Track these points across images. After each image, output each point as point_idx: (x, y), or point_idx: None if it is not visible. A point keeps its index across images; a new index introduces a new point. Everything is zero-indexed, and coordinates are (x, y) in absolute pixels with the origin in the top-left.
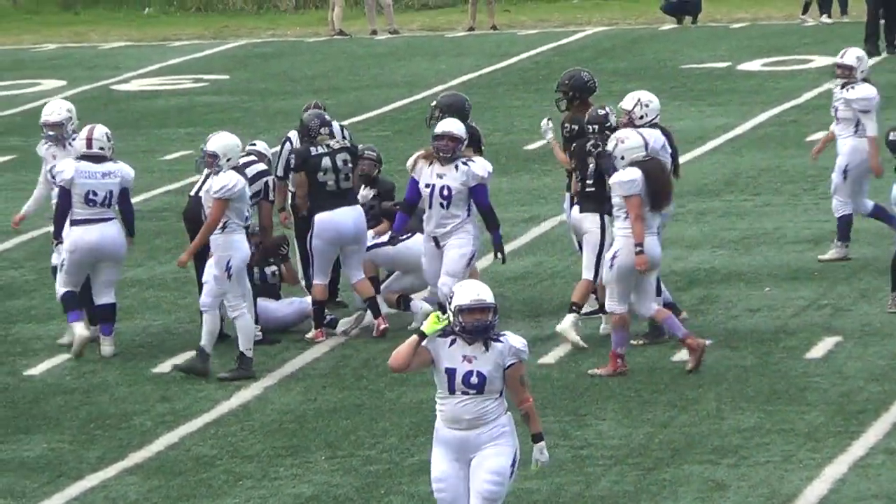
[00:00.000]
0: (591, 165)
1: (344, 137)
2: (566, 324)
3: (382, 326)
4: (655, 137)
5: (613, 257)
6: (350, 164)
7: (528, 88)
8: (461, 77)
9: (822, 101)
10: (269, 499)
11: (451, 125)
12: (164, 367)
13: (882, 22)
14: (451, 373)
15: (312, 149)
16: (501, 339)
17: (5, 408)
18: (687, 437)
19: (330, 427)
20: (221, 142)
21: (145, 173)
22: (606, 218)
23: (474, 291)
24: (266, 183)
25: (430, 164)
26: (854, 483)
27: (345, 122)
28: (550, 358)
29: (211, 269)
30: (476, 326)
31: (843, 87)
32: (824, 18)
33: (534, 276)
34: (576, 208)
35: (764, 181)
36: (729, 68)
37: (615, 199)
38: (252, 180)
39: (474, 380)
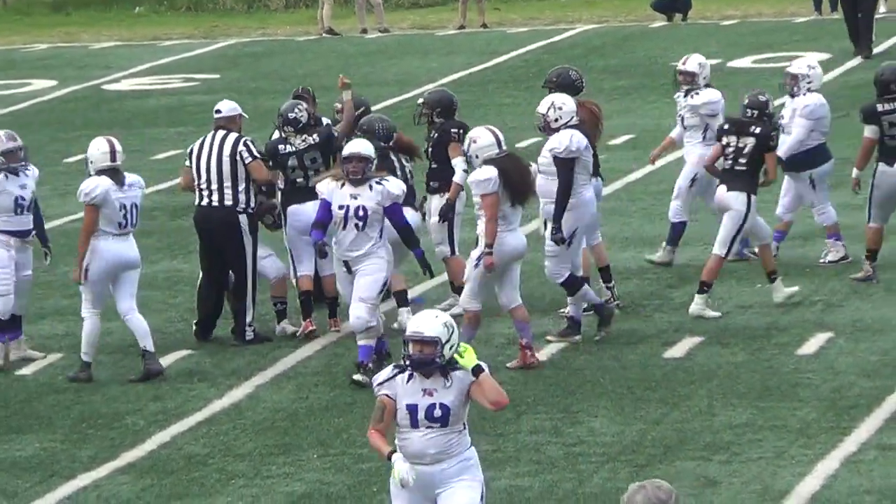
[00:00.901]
0: (746, 146)
1: (313, 134)
2: (697, 304)
3: (334, 328)
4: (578, 139)
5: (480, 256)
6: (319, 161)
7: (519, 86)
8: (452, 75)
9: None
10: (262, 497)
11: (359, 146)
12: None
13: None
14: (412, 409)
15: (281, 146)
16: (458, 367)
17: None
18: (679, 434)
19: (322, 425)
20: (90, 147)
21: (136, 173)
22: (753, 198)
23: (416, 323)
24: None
25: (342, 185)
26: (846, 479)
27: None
28: (542, 355)
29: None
30: (414, 359)
31: (686, 93)
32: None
33: (525, 274)
34: (722, 187)
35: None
36: (719, 65)
37: (474, 199)
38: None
39: (438, 413)
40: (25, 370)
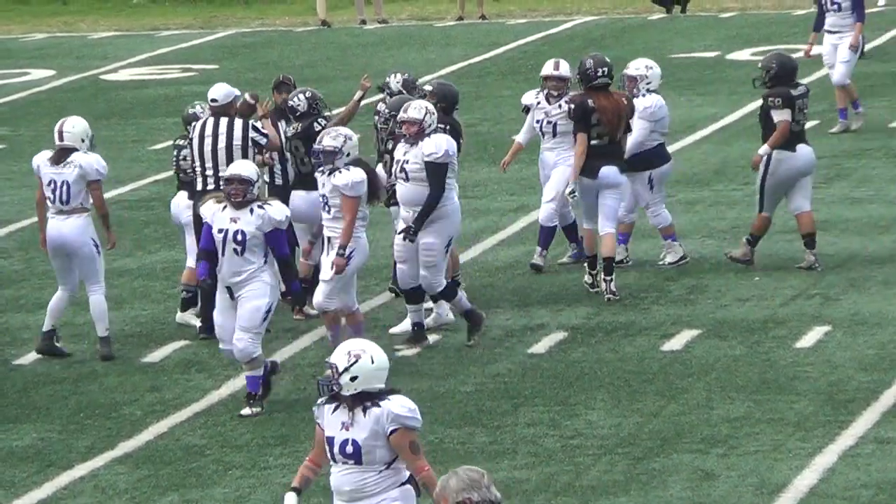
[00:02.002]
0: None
1: (298, 123)
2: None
3: (297, 317)
4: (451, 144)
5: (349, 256)
6: (302, 150)
7: (517, 78)
8: (450, 66)
9: (812, 90)
10: (259, 488)
11: (241, 167)
12: (154, 356)
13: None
14: (330, 441)
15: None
16: (381, 403)
17: None
18: (676, 427)
19: None
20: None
21: (134, 163)
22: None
23: (338, 351)
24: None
25: (224, 207)
26: (843, 472)
27: (335, 112)
28: (540, 348)
29: None
30: (320, 382)
31: (557, 99)
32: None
33: (522, 266)
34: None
35: (753, 171)
36: (718, 58)
37: (334, 200)
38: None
39: (349, 449)
40: (22, 360)
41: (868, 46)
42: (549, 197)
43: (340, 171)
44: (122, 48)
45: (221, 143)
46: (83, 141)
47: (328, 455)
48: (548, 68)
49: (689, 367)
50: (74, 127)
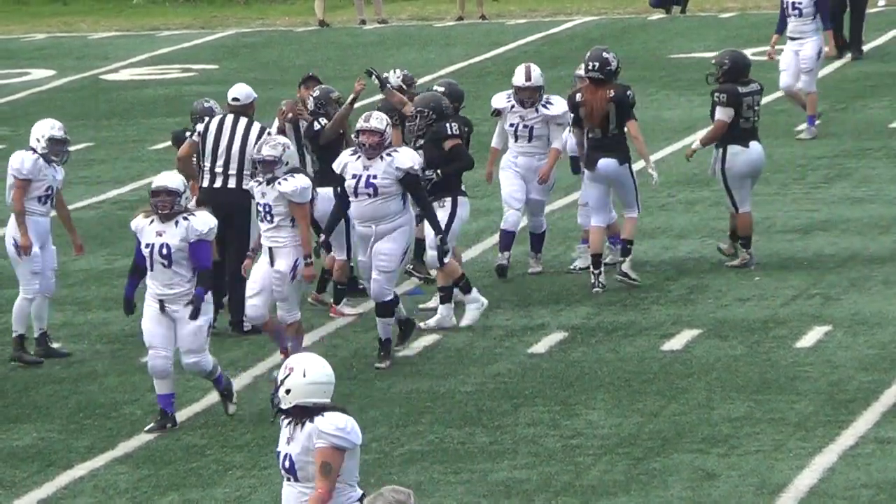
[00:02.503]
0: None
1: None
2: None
3: (332, 314)
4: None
5: (294, 268)
6: (310, 148)
7: None
8: (450, 67)
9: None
10: (259, 488)
11: (167, 179)
12: None
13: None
14: (276, 455)
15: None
16: (315, 419)
17: None
18: (677, 427)
19: None
20: None
21: (134, 163)
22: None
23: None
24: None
25: (151, 222)
26: (844, 472)
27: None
28: (541, 347)
29: None
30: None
31: (532, 105)
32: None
33: (522, 266)
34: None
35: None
36: None
37: (278, 209)
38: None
39: (286, 463)
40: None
41: (868, 47)
42: (517, 205)
43: (286, 179)
44: (122, 48)
45: (236, 145)
46: (38, 140)
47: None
48: (519, 79)
49: (689, 367)
50: (36, 127)
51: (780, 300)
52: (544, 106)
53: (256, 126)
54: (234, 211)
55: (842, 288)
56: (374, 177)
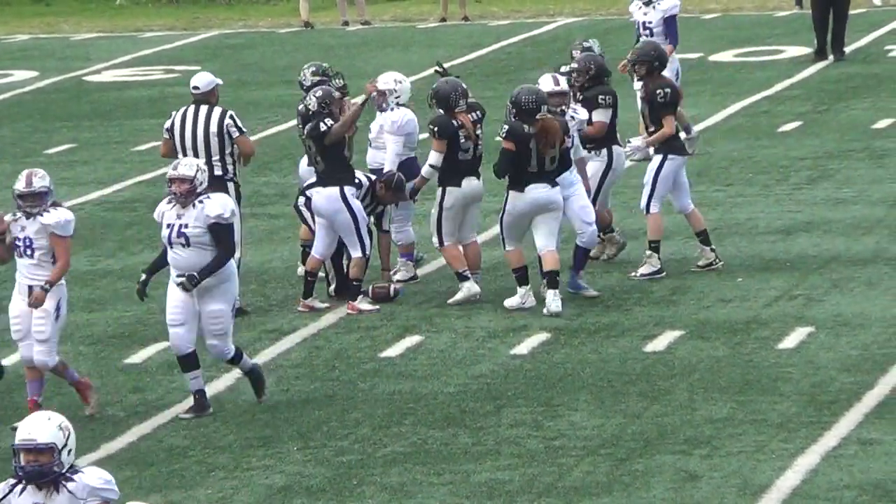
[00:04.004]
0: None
1: (308, 124)
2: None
3: (350, 311)
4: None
5: (58, 308)
6: (314, 149)
7: (501, 79)
8: (433, 68)
9: (793, 91)
10: (242, 489)
11: (34, 180)
12: (137, 358)
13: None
14: None
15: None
16: (75, 478)
17: None
18: (659, 428)
19: (302, 418)
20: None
21: (117, 164)
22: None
23: (27, 429)
24: None
25: (16, 219)
26: (827, 473)
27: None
28: (523, 348)
29: None
30: (28, 471)
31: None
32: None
33: (505, 267)
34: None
35: (735, 172)
36: (701, 59)
37: (40, 242)
38: None
39: None
40: (5, 361)
41: (850, 48)
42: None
43: (49, 211)
44: (104, 49)
45: (200, 133)
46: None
47: None
48: (547, 84)
49: (671, 369)
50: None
51: (762, 301)
52: (391, 109)
53: (217, 111)
54: None
55: (824, 289)
56: (186, 226)
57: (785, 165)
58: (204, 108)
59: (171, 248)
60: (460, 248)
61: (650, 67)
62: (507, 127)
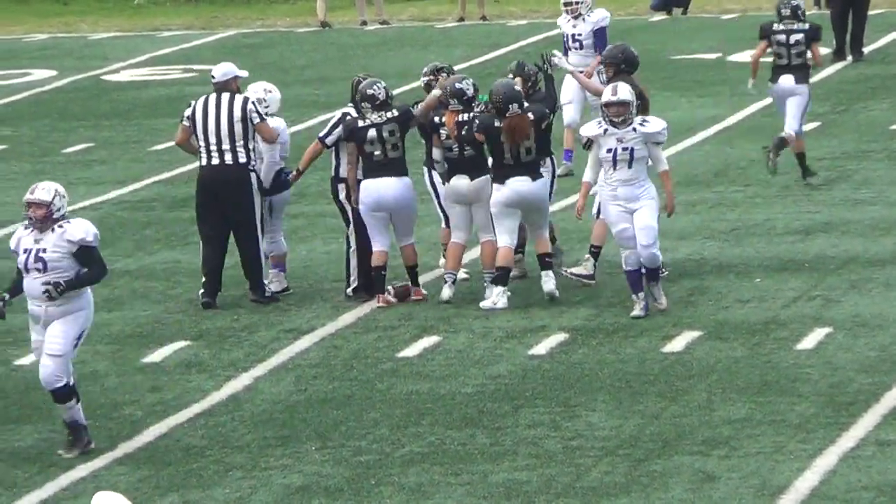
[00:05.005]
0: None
1: (391, 110)
2: None
3: (415, 297)
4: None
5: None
6: (397, 135)
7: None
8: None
9: (814, 91)
10: (260, 489)
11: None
12: (154, 357)
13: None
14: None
15: (360, 121)
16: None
17: None
18: (677, 429)
19: (320, 417)
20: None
21: (135, 163)
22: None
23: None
24: None
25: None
26: (845, 474)
27: (336, 112)
28: (541, 349)
29: None
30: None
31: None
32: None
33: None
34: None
35: (754, 172)
36: (719, 59)
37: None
38: None
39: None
40: (24, 360)
41: (868, 49)
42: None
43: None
44: (123, 48)
45: (224, 120)
46: None
47: None
48: (606, 94)
49: (689, 369)
50: None
51: (780, 302)
52: (641, 124)
53: (238, 98)
54: (233, 185)
55: (842, 290)
56: (44, 250)
57: None
58: (226, 96)
59: (28, 273)
60: (456, 243)
61: (617, 70)
62: (477, 120)
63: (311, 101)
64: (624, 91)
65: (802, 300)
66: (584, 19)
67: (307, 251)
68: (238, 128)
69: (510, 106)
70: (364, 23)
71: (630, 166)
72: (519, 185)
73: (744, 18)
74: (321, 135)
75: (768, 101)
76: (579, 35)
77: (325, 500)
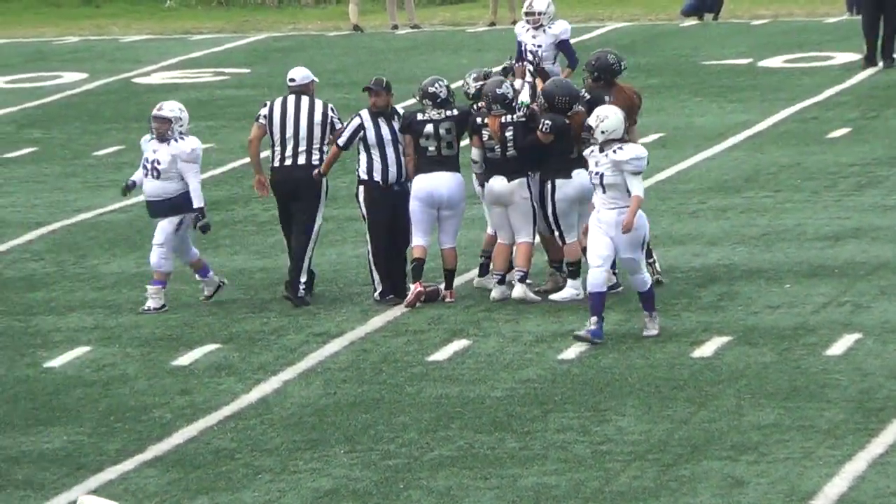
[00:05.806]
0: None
1: (452, 109)
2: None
3: (449, 299)
4: None
5: None
6: (453, 133)
7: None
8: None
9: (843, 98)
10: (288, 492)
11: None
12: (184, 360)
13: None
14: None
15: (419, 115)
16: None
17: (25, 400)
18: (706, 434)
19: (349, 421)
20: None
21: None
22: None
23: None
24: None
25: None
26: (873, 480)
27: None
28: (571, 353)
29: None
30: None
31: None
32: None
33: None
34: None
35: (784, 178)
36: (750, 65)
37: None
38: None
39: None
40: (53, 363)
41: None
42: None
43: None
44: (154, 51)
45: (303, 123)
46: None
47: None
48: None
49: (719, 374)
50: None
51: (810, 307)
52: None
53: (319, 103)
54: (302, 186)
55: (872, 296)
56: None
57: (834, 172)
58: (305, 99)
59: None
60: (502, 244)
61: (594, 78)
62: (548, 122)
63: (341, 106)
64: (596, 117)
65: (832, 306)
66: (544, 31)
67: (337, 255)
68: (317, 131)
69: (574, 105)
70: (395, 27)
71: (605, 191)
72: (494, 183)
73: (774, 24)
74: (336, 138)
75: (798, 106)
76: (539, 46)
77: (353, 503)
